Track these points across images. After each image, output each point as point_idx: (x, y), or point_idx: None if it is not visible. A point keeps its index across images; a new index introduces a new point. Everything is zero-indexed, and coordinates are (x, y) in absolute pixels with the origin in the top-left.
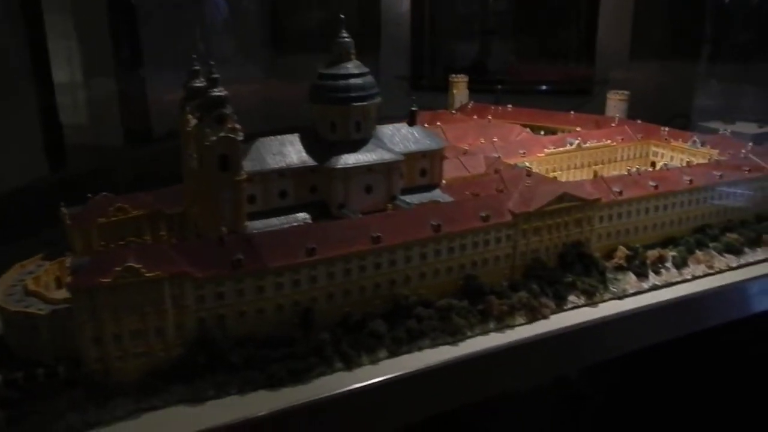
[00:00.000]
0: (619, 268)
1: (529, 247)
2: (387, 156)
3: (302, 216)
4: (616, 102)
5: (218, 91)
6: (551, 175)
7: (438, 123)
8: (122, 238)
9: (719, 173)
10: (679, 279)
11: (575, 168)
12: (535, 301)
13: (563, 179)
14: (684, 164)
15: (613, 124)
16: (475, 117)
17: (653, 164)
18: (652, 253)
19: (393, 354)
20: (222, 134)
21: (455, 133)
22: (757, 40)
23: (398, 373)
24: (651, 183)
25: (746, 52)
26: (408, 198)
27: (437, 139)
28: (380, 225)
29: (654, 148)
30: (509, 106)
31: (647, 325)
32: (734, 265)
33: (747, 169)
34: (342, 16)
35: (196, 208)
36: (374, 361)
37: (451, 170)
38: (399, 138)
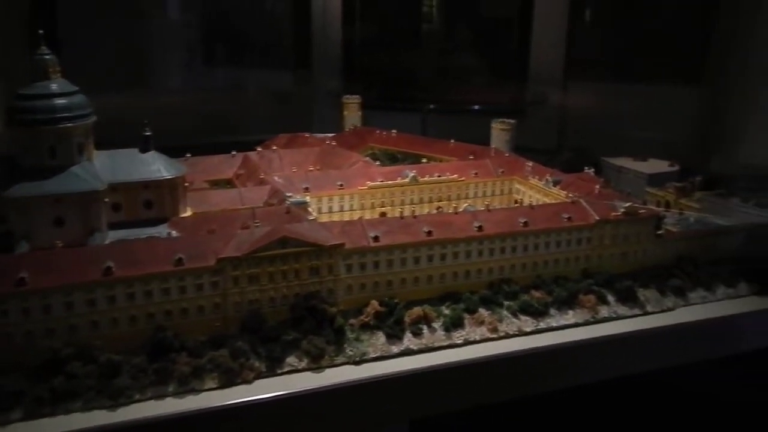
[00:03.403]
0: (366, 327)
1: (245, 297)
2: (80, 186)
3: None
4: (498, 132)
5: None
6: (378, 211)
7: (274, 147)
8: None
9: (524, 220)
10: (444, 343)
11: (413, 204)
12: (233, 363)
13: (394, 215)
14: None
15: (471, 156)
16: (334, 143)
17: (516, 202)
18: (415, 311)
19: (30, 416)
20: None
21: (291, 158)
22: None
23: None
24: (425, 228)
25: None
26: (121, 233)
27: (172, 168)
28: (31, 265)
29: (517, 186)
30: (393, 131)
31: (379, 398)
32: (528, 329)
33: (567, 216)
34: (41, 31)
35: None
36: (4, 423)
37: (224, 202)
38: (120, 165)
